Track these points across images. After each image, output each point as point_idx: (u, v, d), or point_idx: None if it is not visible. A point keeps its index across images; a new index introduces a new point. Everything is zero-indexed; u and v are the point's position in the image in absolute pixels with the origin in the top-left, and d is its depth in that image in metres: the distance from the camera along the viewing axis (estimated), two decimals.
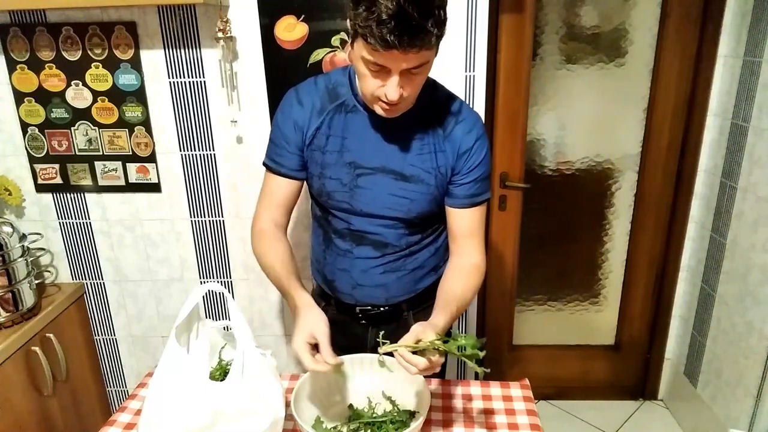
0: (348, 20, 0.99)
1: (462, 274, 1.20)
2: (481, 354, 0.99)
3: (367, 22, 0.91)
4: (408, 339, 1.01)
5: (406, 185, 1.17)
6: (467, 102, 1.74)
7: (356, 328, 1.34)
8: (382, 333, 1.06)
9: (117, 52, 1.72)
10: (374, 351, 1.30)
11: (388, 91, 1.00)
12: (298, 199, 1.28)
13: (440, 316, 1.08)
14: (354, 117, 1.16)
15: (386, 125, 1.15)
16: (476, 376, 1.02)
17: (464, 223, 1.21)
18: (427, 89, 1.15)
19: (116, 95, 1.77)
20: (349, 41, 1.03)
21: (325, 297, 1.37)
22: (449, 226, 1.23)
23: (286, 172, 1.22)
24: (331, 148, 1.17)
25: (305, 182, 1.27)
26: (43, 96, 1.77)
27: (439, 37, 0.96)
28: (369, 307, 1.31)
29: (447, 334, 1.08)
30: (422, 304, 1.33)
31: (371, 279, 1.26)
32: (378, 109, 1.08)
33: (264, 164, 1.25)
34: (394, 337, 1.33)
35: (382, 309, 1.31)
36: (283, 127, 1.20)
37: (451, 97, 1.20)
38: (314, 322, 1.09)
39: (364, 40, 0.95)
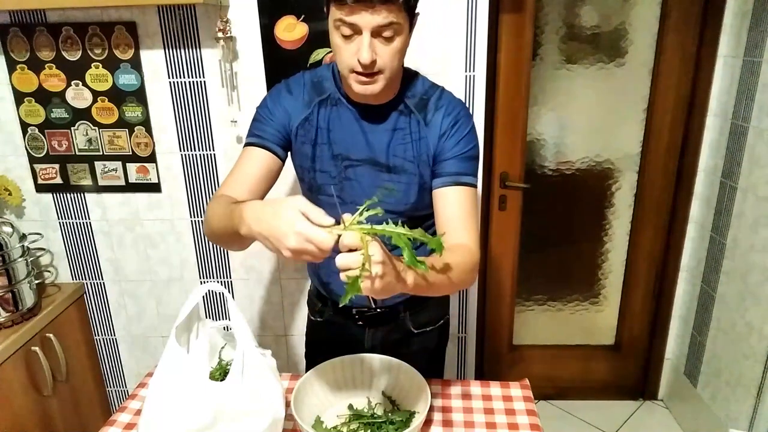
0: None
1: (449, 249, 1.02)
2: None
3: None
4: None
5: (391, 177, 1.17)
6: (467, 102, 1.74)
7: (353, 329, 1.34)
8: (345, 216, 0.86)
9: (117, 52, 1.72)
10: (372, 351, 1.30)
11: (360, 53, 1.00)
12: (269, 189, 1.20)
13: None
14: (339, 110, 1.17)
15: (370, 117, 1.16)
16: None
17: (450, 209, 1.13)
18: (409, 80, 1.17)
19: (116, 95, 1.77)
20: (326, 16, 1.05)
21: (321, 298, 1.37)
22: (435, 215, 1.16)
23: (266, 144, 1.16)
24: (320, 141, 1.18)
25: (298, 181, 1.26)
26: (43, 96, 1.77)
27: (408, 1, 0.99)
28: (365, 309, 1.31)
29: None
30: (419, 305, 1.32)
31: None
32: (355, 85, 1.06)
33: (246, 145, 1.18)
34: (391, 340, 1.34)
35: (378, 310, 1.30)
36: (271, 106, 1.18)
37: (433, 87, 1.20)
38: (288, 202, 0.86)
39: None
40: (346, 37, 1.01)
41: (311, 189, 1.22)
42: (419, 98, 1.17)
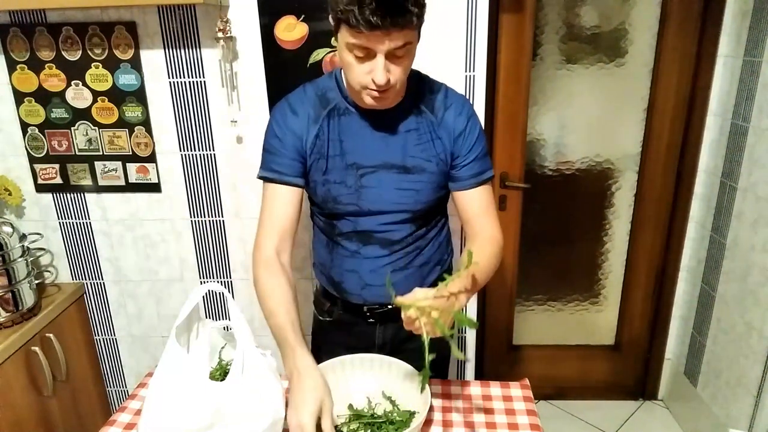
0: (329, 10, 1.02)
1: (475, 245, 1.18)
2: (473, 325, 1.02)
3: (349, 6, 0.94)
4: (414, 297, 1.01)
5: (409, 177, 1.18)
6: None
7: (364, 327, 1.34)
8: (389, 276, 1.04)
9: (117, 52, 1.72)
10: (383, 348, 1.30)
11: (375, 75, 1.02)
12: (300, 212, 1.24)
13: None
14: (347, 119, 1.17)
15: (380, 121, 1.16)
16: (458, 365, 1.14)
17: (475, 204, 1.22)
18: (413, 80, 1.18)
19: (116, 95, 1.77)
20: (334, 32, 1.06)
21: (330, 298, 1.37)
22: (460, 212, 1.24)
23: (288, 180, 1.19)
24: (332, 153, 1.18)
25: (306, 192, 1.26)
26: (43, 96, 1.77)
27: (420, 17, 1.00)
28: (377, 306, 1.31)
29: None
30: None
31: (380, 278, 1.26)
32: (367, 99, 1.08)
33: (260, 177, 1.21)
34: (401, 336, 1.34)
35: (390, 307, 1.30)
36: (281, 135, 1.18)
37: (436, 85, 1.22)
38: (323, 392, 1.00)
39: (347, 24, 0.97)
40: (360, 58, 1.02)
41: (326, 200, 1.22)
42: (426, 97, 1.19)
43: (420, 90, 1.19)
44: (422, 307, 0.97)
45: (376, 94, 1.06)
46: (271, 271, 1.16)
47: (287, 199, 1.19)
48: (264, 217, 1.21)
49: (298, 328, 1.09)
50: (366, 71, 1.03)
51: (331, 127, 1.17)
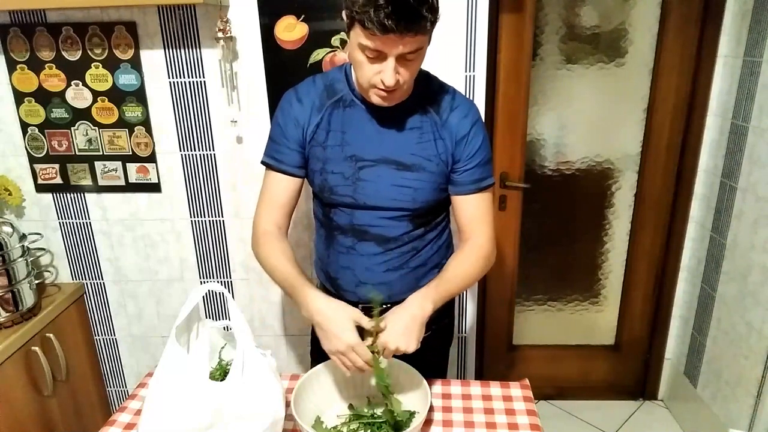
0: (344, 9, 1.03)
1: (460, 253, 1.23)
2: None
3: (365, 7, 0.95)
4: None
5: (408, 174, 1.18)
6: None
7: (359, 328, 1.34)
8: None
9: (117, 52, 1.72)
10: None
11: (384, 76, 1.03)
12: (299, 199, 1.28)
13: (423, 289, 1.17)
14: (352, 111, 1.18)
15: (384, 117, 1.17)
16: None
17: (471, 211, 1.23)
18: (421, 80, 1.18)
19: (116, 95, 1.77)
20: (346, 29, 1.07)
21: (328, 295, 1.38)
22: (456, 216, 1.25)
23: (286, 169, 1.23)
24: (332, 143, 1.19)
25: (306, 180, 1.27)
26: (43, 96, 1.77)
27: (433, 23, 1.01)
28: (371, 307, 1.31)
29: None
30: None
31: (374, 277, 1.27)
32: (375, 98, 1.10)
33: (263, 162, 1.26)
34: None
35: (384, 307, 1.31)
36: (283, 124, 1.21)
37: (444, 86, 1.23)
38: (347, 311, 1.11)
39: (361, 25, 0.98)
40: (370, 58, 1.04)
41: (323, 190, 1.23)
42: (433, 97, 1.19)
43: (428, 90, 1.20)
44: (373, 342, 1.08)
45: (383, 94, 1.08)
46: (269, 238, 1.23)
47: (285, 186, 1.24)
48: (262, 197, 1.28)
49: (302, 274, 1.17)
50: (375, 71, 1.04)
51: (334, 118, 1.18)
